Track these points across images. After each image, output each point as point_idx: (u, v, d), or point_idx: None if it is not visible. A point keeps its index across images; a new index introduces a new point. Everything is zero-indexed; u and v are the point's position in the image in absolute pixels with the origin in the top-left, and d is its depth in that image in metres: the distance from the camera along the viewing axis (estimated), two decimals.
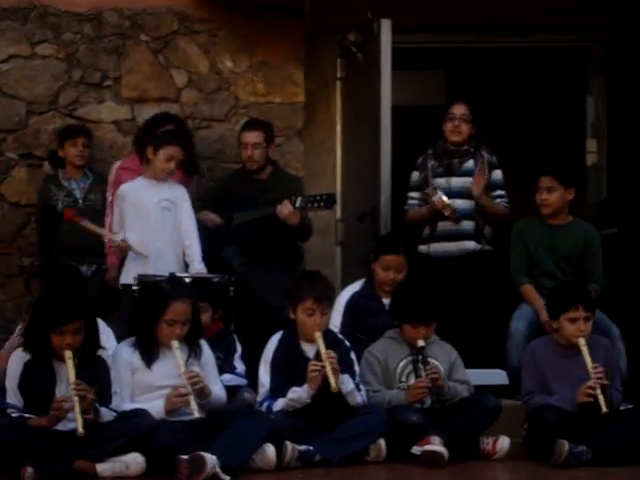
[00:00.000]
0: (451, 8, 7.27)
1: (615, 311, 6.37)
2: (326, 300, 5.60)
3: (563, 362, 5.70)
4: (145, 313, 5.46)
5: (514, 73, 9.16)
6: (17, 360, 5.24)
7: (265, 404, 5.55)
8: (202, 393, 5.35)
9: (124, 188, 6.35)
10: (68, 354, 5.10)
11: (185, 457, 5.05)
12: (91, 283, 6.50)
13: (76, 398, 5.00)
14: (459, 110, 6.73)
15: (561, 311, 5.71)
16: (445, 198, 6.50)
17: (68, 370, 5.08)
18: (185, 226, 6.32)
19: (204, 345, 5.56)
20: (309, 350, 5.59)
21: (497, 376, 6.36)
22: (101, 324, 5.79)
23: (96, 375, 5.21)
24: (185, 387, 5.30)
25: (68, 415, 5.07)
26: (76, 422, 4.99)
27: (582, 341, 5.62)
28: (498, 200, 6.73)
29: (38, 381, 5.18)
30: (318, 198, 6.53)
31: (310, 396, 5.46)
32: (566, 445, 5.37)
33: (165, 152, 6.26)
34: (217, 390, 5.50)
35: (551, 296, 5.91)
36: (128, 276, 6.24)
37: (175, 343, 5.37)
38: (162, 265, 6.17)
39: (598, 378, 5.51)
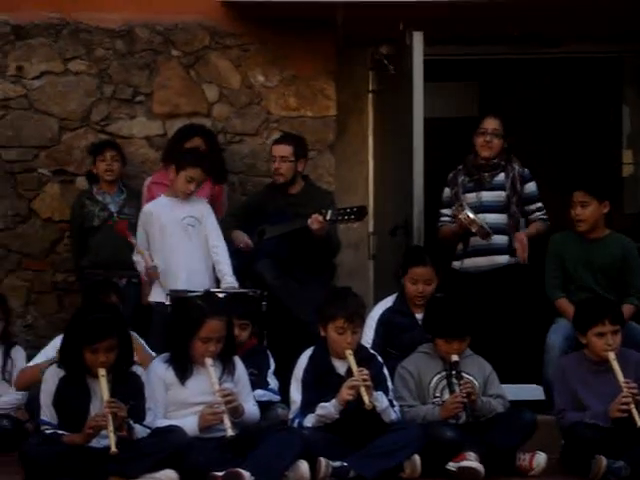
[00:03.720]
0: (483, 19, 7.24)
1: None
2: (357, 319, 5.56)
3: (594, 377, 5.64)
4: (179, 330, 5.45)
5: (548, 84, 9.10)
6: (52, 376, 5.24)
7: (296, 421, 5.52)
8: (236, 411, 5.33)
9: (147, 208, 6.40)
10: (102, 372, 5.10)
11: (220, 474, 5.05)
12: (125, 298, 6.50)
13: (110, 416, 4.99)
14: (490, 125, 6.68)
15: (588, 326, 5.65)
16: (472, 215, 6.44)
17: (102, 388, 5.07)
18: (212, 241, 6.34)
19: (237, 362, 5.54)
20: (340, 366, 5.56)
21: (533, 391, 6.31)
22: (136, 338, 5.81)
23: (130, 392, 5.21)
24: (219, 405, 5.27)
25: (102, 432, 5.06)
26: (109, 440, 4.98)
27: (612, 355, 5.55)
28: (536, 214, 6.66)
29: (72, 398, 5.17)
30: (349, 211, 6.50)
31: (339, 411, 5.42)
32: (604, 461, 5.32)
33: (186, 174, 6.30)
34: (250, 407, 5.49)
35: (576, 312, 5.86)
36: (158, 293, 6.25)
37: (209, 360, 5.35)
38: (193, 281, 6.20)
39: (631, 393, 5.43)
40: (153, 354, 5.82)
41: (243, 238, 6.64)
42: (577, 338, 5.83)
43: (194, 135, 6.83)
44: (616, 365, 5.52)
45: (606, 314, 5.66)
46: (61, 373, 5.21)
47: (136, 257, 6.37)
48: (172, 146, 6.86)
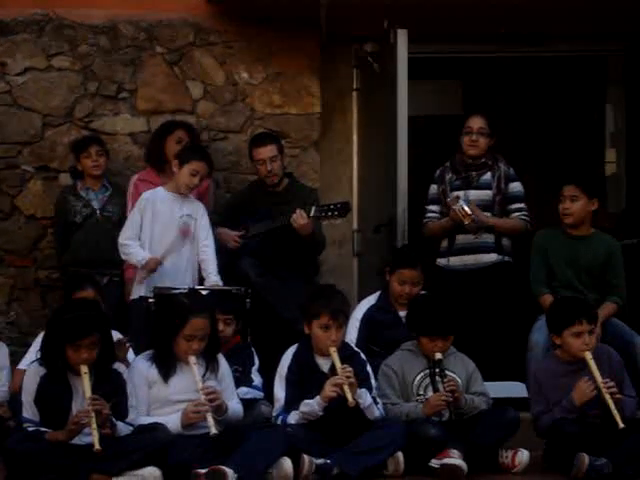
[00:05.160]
0: (467, 18, 7.24)
1: (636, 320, 6.31)
2: (341, 316, 5.57)
3: (567, 378, 5.62)
4: (163, 327, 5.44)
5: (532, 83, 9.11)
6: (33, 374, 5.22)
7: (280, 418, 5.52)
8: (219, 410, 5.32)
9: (148, 195, 6.35)
10: (84, 369, 5.08)
11: (203, 471, 5.04)
12: (106, 296, 6.47)
13: (93, 414, 4.97)
14: (476, 123, 6.68)
15: (564, 327, 5.63)
16: (467, 208, 6.45)
17: (84, 385, 5.06)
18: (203, 240, 6.35)
19: (221, 359, 5.54)
20: (324, 364, 5.56)
21: (516, 389, 6.30)
22: (117, 336, 5.79)
23: (112, 389, 5.19)
24: (202, 403, 5.26)
25: (85, 429, 5.05)
26: (93, 438, 4.96)
27: (589, 355, 5.55)
28: (517, 214, 6.66)
29: (54, 395, 5.16)
30: (332, 207, 6.51)
31: (322, 409, 5.42)
32: (587, 458, 5.33)
33: (190, 167, 6.29)
34: (234, 405, 5.48)
35: (551, 312, 5.84)
36: (139, 291, 6.24)
37: (193, 358, 5.35)
38: (180, 278, 6.20)
39: (611, 393, 5.44)
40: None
41: (232, 237, 6.63)
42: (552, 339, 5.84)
43: (176, 128, 6.82)
44: (593, 365, 5.52)
45: (582, 314, 5.64)
46: (42, 371, 5.19)
47: (127, 241, 6.28)
48: (155, 143, 6.84)
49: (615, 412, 5.38)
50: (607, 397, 5.43)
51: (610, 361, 5.71)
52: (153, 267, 6.20)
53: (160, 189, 6.40)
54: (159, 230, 6.29)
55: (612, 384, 5.49)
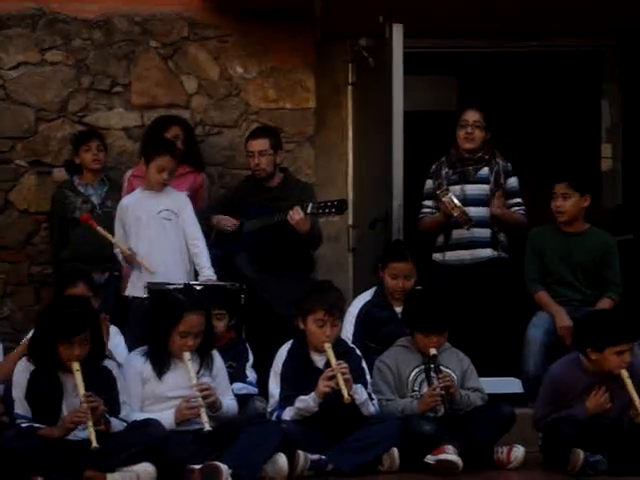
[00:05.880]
0: (463, 13, 7.22)
1: (632, 317, 6.29)
2: (337, 312, 5.56)
3: (588, 386, 5.50)
4: (158, 323, 5.42)
5: (527, 78, 9.10)
6: (22, 370, 5.19)
7: (275, 414, 5.50)
8: (213, 406, 5.31)
9: (124, 202, 6.34)
10: (76, 366, 5.06)
11: (197, 467, 5.02)
12: (105, 291, 6.44)
13: (89, 411, 4.95)
14: (472, 117, 6.67)
15: (608, 344, 5.45)
16: (455, 200, 6.45)
17: (77, 382, 5.04)
18: (190, 234, 6.27)
19: (216, 356, 5.52)
20: (319, 360, 5.55)
21: (512, 384, 6.31)
22: (114, 331, 5.76)
23: (103, 386, 5.17)
24: (196, 399, 5.25)
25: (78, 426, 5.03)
26: (89, 436, 4.95)
27: (625, 373, 5.42)
28: (515, 209, 6.67)
29: (44, 392, 5.13)
30: (329, 204, 6.49)
31: (317, 404, 5.41)
32: (582, 454, 5.32)
33: (155, 164, 6.23)
34: (228, 402, 5.46)
35: (593, 327, 5.58)
36: (135, 288, 6.21)
37: (187, 355, 5.33)
38: (169, 274, 6.14)
39: None
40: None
41: (228, 220, 6.60)
42: (563, 332, 5.78)
43: (171, 124, 6.78)
44: (630, 383, 5.40)
45: (629, 332, 5.52)
46: (32, 367, 5.16)
47: (117, 249, 6.31)
48: (150, 139, 6.80)
49: None
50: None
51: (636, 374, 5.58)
52: (131, 257, 6.14)
53: (137, 191, 6.38)
54: (141, 229, 6.23)
55: None
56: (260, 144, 6.64)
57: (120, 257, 6.27)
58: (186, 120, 6.99)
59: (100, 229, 6.33)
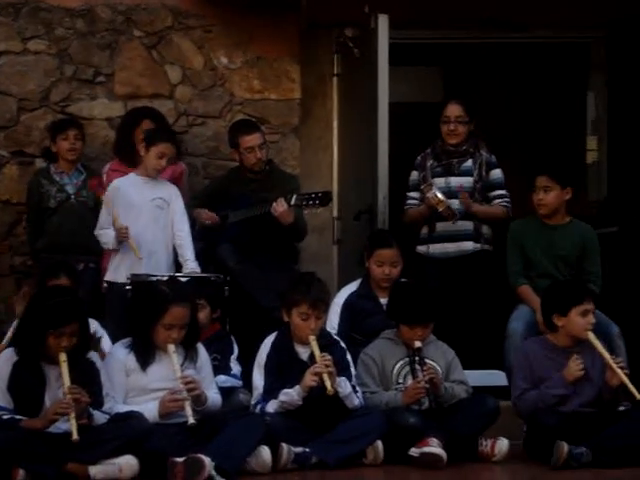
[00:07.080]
0: (449, 3, 7.20)
1: (615, 309, 6.30)
2: (321, 305, 5.54)
3: (560, 363, 5.62)
4: (142, 315, 5.39)
5: (513, 70, 9.09)
6: (5, 361, 5.15)
7: (258, 406, 5.49)
8: (198, 399, 5.28)
9: (117, 183, 6.31)
10: (63, 357, 5.03)
11: (180, 459, 4.99)
12: (82, 282, 6.39)
13: (72, 403, 4.92)
14: (454, 112, 6.65)
15: (572, 305, 5.63)
16: (440, 195, 6.44)
17: (63, 374, 5.00)
18: (177, 225, 6.28)
19: (200, 348, 5.50)
20: (303, 352, 5.53)
21: (496, 377, 6.30)
22: (96, 325, 5.72)
23: (86, 378, 5.13)
24: (180, 392, 5.22)
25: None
26: (71, 427, 4.92)
27: (592, 335, 5.59)
28: (498, 200, 6.65)
29: (27, 384, 5.09)
30: (314, 196, 6.46)
31: (302, 397, 5.40)
32: (565, 447, 5.33)
33: (157, 149, 6.24)
34: (212, 395, 5.44)
35: (555, 293, 5.81)
36: (117, 273, 6.18)
37: (172, 347, 5.30)
38: (153, 264, 6.13)
39: (621, 368, 5.48)
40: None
41: (207, 214, 6.58)
42: (543, 325, 5.82)
43: (143, 118, 6.72)
44: (598, 343, 5.57)
45: (588, 292, 5.74)
46: (15, 358, 5.12)
47: (100, 231, 6.25)
48: (123, 134, 6.74)
49: (630, 384, 5.42)
50: (619, 372, 5.46)
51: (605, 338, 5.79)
52: (124, 234, 6.10)
53: (131, 174, 6.37)
54: (133, 215, 6.20)
55: (620, 359, 5.56)
56: (258, 138, 6.63)
57: (111, 236, 6.18)
58: (158, 112, 6.89)
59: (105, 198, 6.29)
